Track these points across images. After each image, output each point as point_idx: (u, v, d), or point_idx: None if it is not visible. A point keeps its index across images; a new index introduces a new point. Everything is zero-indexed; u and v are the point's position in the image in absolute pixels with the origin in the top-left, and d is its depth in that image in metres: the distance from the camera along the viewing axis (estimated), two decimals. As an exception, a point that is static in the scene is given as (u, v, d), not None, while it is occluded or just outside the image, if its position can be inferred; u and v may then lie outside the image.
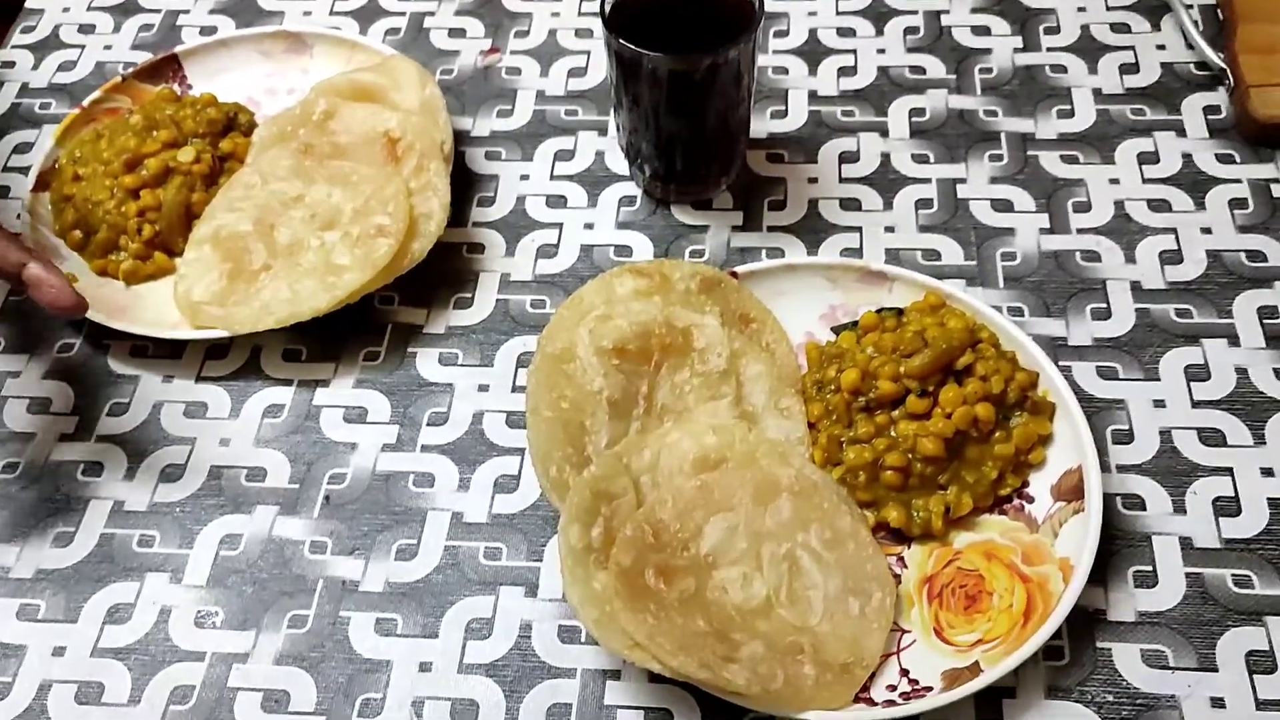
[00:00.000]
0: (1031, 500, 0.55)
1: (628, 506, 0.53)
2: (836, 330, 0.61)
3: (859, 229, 0.67)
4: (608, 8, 0.62)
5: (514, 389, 0.62)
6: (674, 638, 0.49)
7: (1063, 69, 0.73)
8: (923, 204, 0.67)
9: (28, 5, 0.84)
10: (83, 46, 0.81)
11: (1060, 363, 0.60)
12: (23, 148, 0.75)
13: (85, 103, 0.73)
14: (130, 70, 0.74)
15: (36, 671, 0.53)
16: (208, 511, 0.58)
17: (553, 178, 0.71)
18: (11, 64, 0.80)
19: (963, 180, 0.68)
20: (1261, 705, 0.49)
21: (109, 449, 0.61)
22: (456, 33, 0.79)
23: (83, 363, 0.64)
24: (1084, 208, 0.66)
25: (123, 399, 0.63)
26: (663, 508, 0.53)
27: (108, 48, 0.81)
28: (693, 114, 0.64)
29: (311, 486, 0.59)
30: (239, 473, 0.59)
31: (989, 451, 0.55)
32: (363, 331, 0.64)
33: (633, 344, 0.57)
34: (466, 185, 0.71)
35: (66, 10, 0.83)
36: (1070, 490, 0.54)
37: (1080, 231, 0.65)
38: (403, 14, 0.81)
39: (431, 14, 0.81)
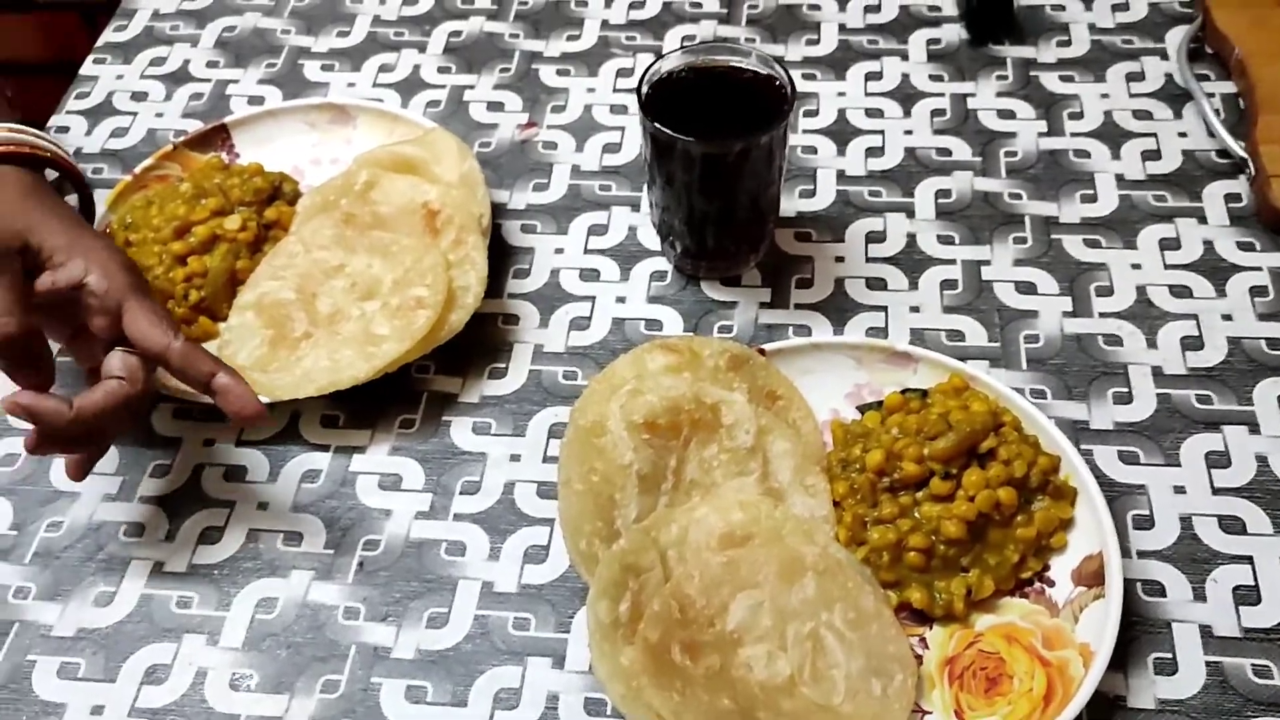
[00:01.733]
0: (1052, 584, 0.56)
1: (655, 581, 0.54)
2: (862, 409, 0.62)
3: (885, 308, 0.68)
4: (644, 90, 0.64)
5: (545, 459, 0.63)
6: (700, 715, 0.50)
7: (1086, 154, 0.75)
8: (948, 285, 0.69)
9: (82, 72, 0.87)
10: (135, 114, 0.84)
11: (1082, 446, 0.61)
12: (75, 211, 0.78)
13: (137, 170, 0.75)
14: (181, 139, 0.77)
15: (75, 730, 0.55)
16: (245, 575, 0.60)
17: (586, 251, 0.73)
18: (66, 129, 0.83)
19: (987, 262, 0.70)
20: (1280, 797, 0.50)
21: (151, 510, 0.62)
22: (495, 106, 0.82)
23: (127, 424, 0.66)
24: (1106, 292, 0.68)
25: (165, 461, 0.64)
26: (690, 583, 0.54)
27: (159, 115, 0.83)
28: (724, 194, 0.66)
29: (346, 552, 0.60)
30: (276, 536, 0.61)
31: (1011, 535, 0.56)
32: (399, 399, 0.66)
33: (662, 419, 0.59)
34: (502, 257, 0.73)
35: (120, 78, 0.86)
36: (1091, 575, 0.55)
37: (1102, 315, 0.67)
38: (443, 87, 0.84)
39: (471, 87, 0.83)
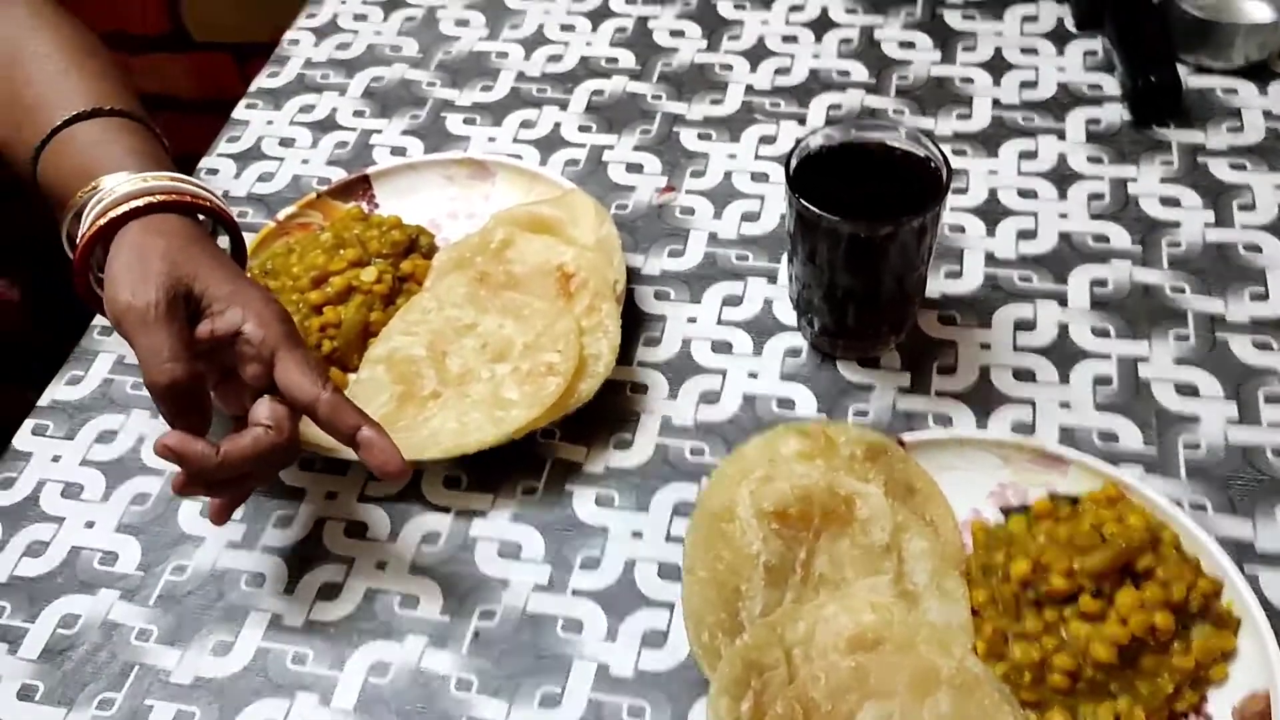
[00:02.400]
0: (1210, 719, 0.52)
1: (779, 680, 0.52)
2: (1006, 512, 0.59)
3: (1032, 402, 0.65)
4: (793, 164, 0.63)
5: (668, 538, 0.61)
6: (821, 832, 0.47)
7: (1257, 248, 0.71)
8: (1101, 381, 0.65)
9: (234, 116, 0.89)
10: (282, 159, 0.85)
11: (1246, 570, 0.56)
12: (219, 253, 0.79)
13: (280, 216, 0.76)
14: (324, 188, 0.78)
15: (185, 782, 0.55)
16: (361, 635, 0.59)
17: (720, 322, 0.71)
18: (215, 171, 0.85)
19: (1145, 359, 0.66)
20: None
21: (272, 560, 0.62)
22: (634, 168, 0.81)
23: (255, 471, 0.66)
24: (1277, 399, 0.63)
25: (289, 512, 0.64)
26: (815, 686, 0.52)
27: (305, 162, 0.85)
28: (869, 274, 0.64)
29: (462, 621, 0.59)
30: (393, 598, 0.60)
31: (1166, 663, 0.52)
32: (523, 465, 0.65)
33: (793, 508, 0.57)
34: (634, 323, 0.71)
35: (270, 123, 0.88)
36: (1256, 716, 0.50)
37: (1272, 425, 0.62)
38: (583, 145, 0.83)
39: (611, 148, 0.83)
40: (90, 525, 0.65)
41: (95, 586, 0.62)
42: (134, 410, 0.70)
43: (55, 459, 0.68)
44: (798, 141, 0.63)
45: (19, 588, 0.62)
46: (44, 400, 0.71)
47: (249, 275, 0.72)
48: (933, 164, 0.63)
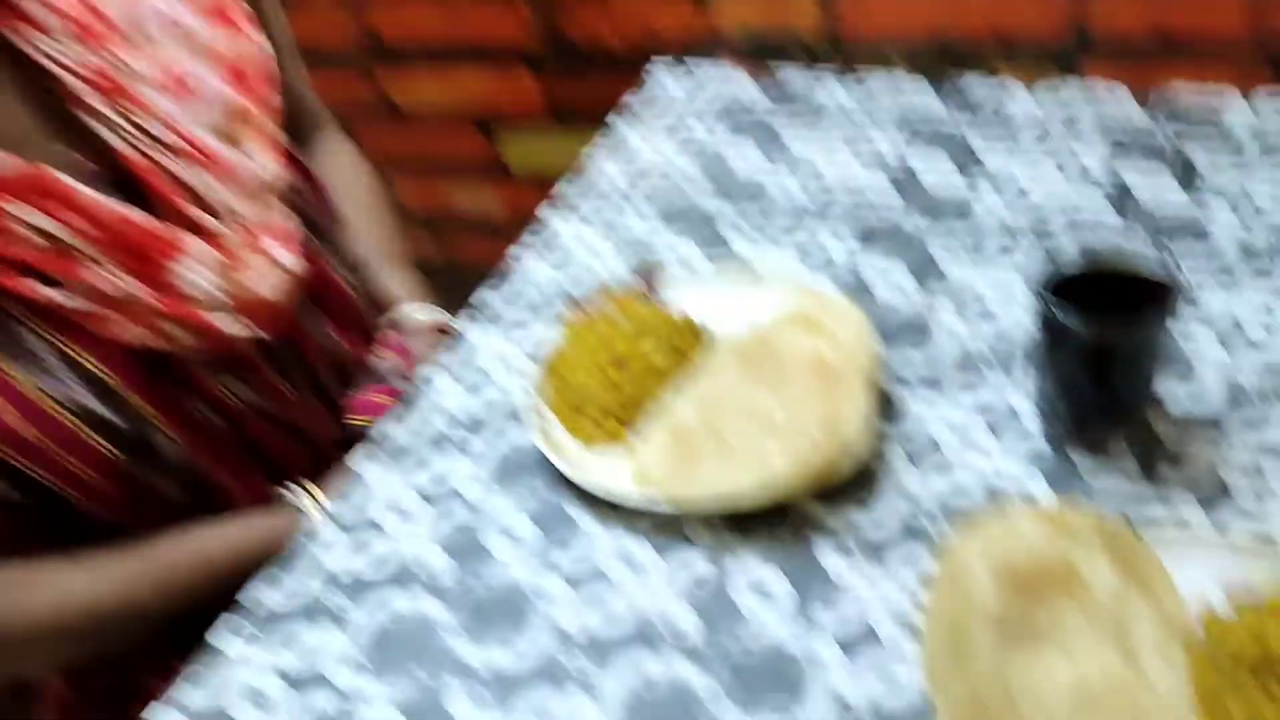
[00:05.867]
0: None
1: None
2: (1239, 608, 0.62)
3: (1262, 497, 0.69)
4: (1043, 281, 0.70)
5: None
6: None
7: None
8: (1333, 489, 0.69)
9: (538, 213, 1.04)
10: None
11: None
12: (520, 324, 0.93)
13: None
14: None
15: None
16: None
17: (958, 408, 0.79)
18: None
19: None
20: None
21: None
22: (892, 286, 0.90)
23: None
24: None
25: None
26: None
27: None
28: (1111, 380, 0.70)
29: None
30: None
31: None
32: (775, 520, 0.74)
33: (1025, 568, 0.63)
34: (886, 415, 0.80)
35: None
36: None
37: None
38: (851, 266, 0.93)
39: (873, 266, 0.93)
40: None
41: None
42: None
43: (387, 484, 0.82)
44: (1050, 262, 0.71)
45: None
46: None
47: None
48: (1167, 281, 0.69)
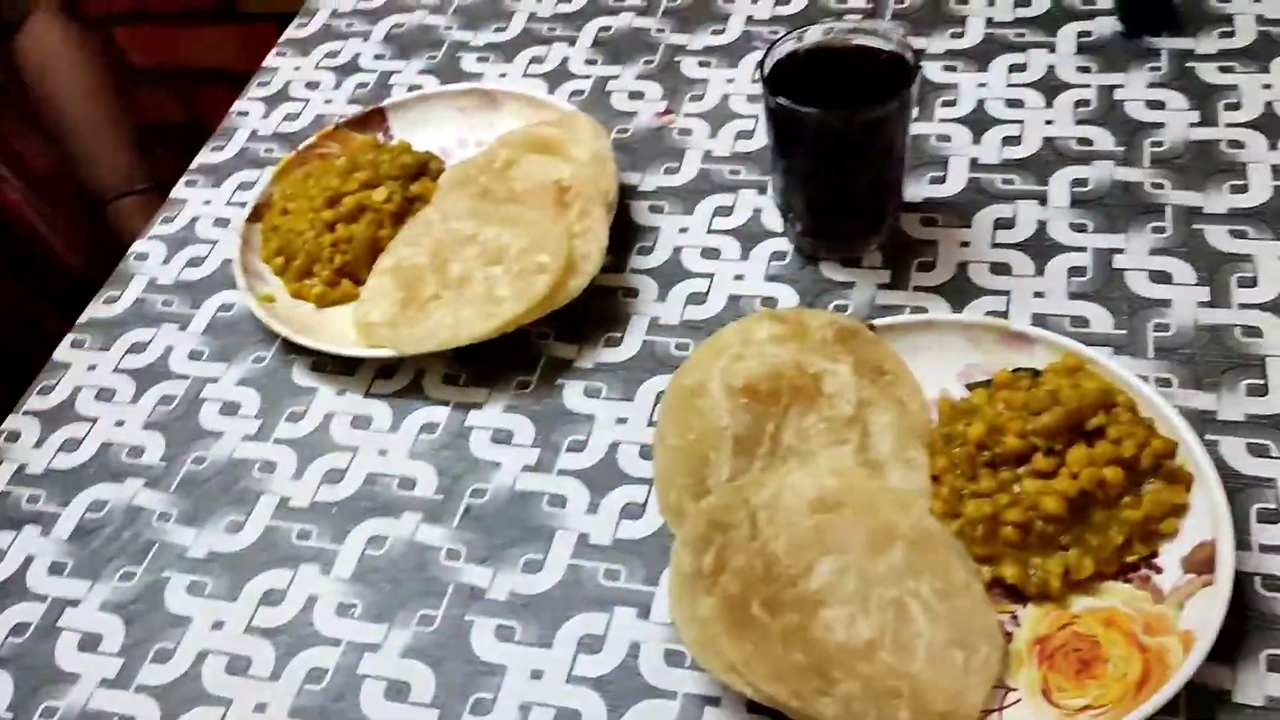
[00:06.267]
0: (1160, 571, 0.53)
1: (741, 539, 0.55)
2: (971, 388, 0.61)
3: (1007, 293, 0.67)
4: (768, 67, 0.65)
5: (650, 423, 0.64)
6: (771, 666, 0.50)
7: (1240, 144, 0.71)
8: (1075, 271, 0.67)
9: (265, 64, 0.94)
10: (307, 100, 0.90)
11: (1207, 437, 0.58)
12: (245, 185, 0.84)
13: (301, 147, 0.81)
14: (342, 120, 0.82)
15: (197, 641, 0.59)
16: (360, 514, 0.63)
17: (710, 231, 0.74)
18: (245, 113, 0.90)
19: (1120, 250, 0.67)
20: (1400, 809, 0.46)
21: (283, 450, 0.67)
22: (636, 95, 0.84)
23: (270, 374, 0.71)
24: (1249, 283, 0.64)
25: (300, 408, 0.69)
26: (776, 543, 0.54)
27: (328, 101, 0.90)
28: (845, 173, 0.66)
29: (454, 499, 0.63)
30: (392, 480, 0.64)
31: (1116, 516, 0.54)
32: (518, 363, 0.69)
33: (763, 384, 0.59)
34: (629, 235, 0.75)
35: (298, 69, 0.93)
36: (1202, 563, 0.52)
37: (1243, 307, 0.63)
38: (588, 77, 0.87)
39: (615, 77, 0.86)
40: (120, 424, 0.70)
41: (122, 476, 0.67)
42: (163, 325, 0.75)
43: (91, 368, 0.73)
44: (771, 44, 0.66)
45: (54, 479, 0.68)
46: (83, 318, 0.77)
47: (268, 201, 0.77)
48: (904, 61, 0.65)
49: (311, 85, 0.91)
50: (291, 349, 0.71)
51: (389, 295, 0.71)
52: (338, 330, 0.71)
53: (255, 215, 0.78)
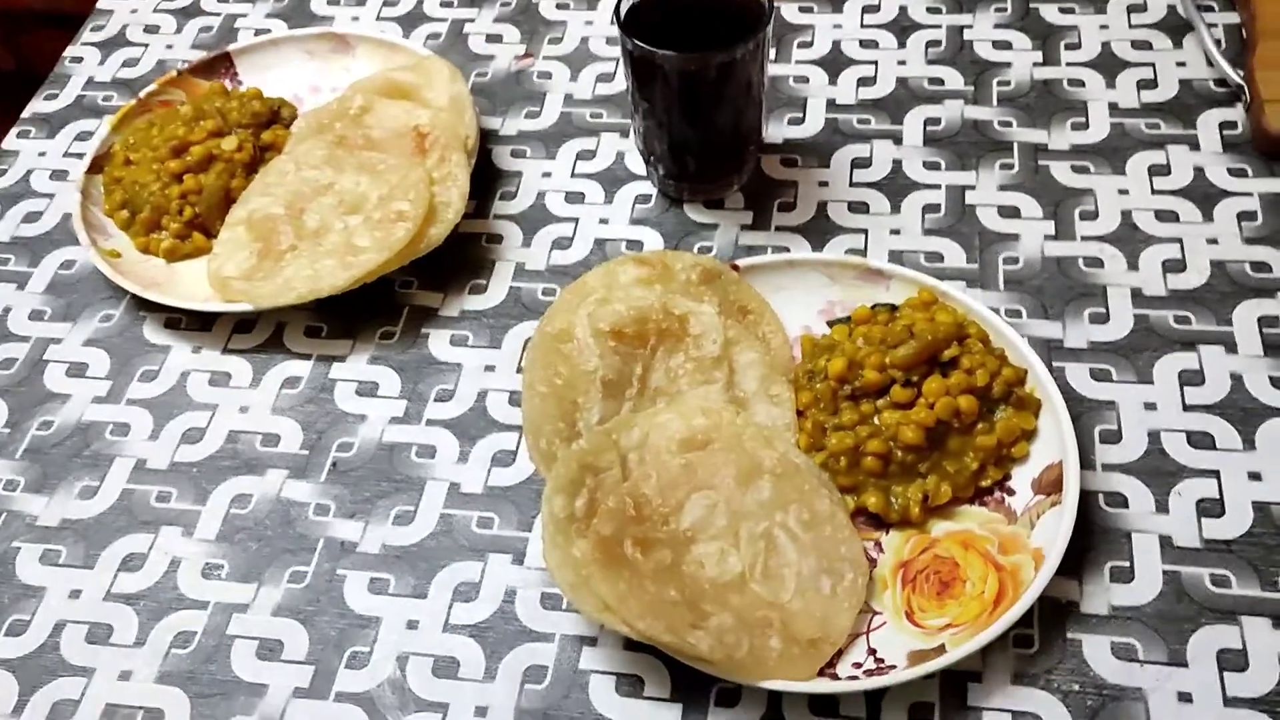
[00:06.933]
0: (1012, 493, 0.56)
1: (613, 480, 0.55)
2: (832, 324, 0.62)
3: (865, 230, 0.68)
4: (623, 10, 0.65)
5: (518, 370, 0.64)
6: (644, 603, 0.51)
7: (1080, 83, 0.74)
8: (930, 209, 0.69)
9: (99, 6, 0.89)
10: (146, 45, 0.86)
11: (1054, 364, 0.60)
12: (83, 136, 0.80)
13: (142, 94, 0.77)
14: (185, 66, 0.79)
15: (53, 611, 0.57)
16: (222, 472, 0.61)
17: (573, 175, 0.73)
18: (80, 59, 0.85)
19: (972, 187, 0.69)
20: (1230, 702, 0.49)
21: (137, 411, 0.64)
22: (494, 38, 0.83)
23: (120, 333, 0.68)
24: (1091, 216, 0.67)
25: (153, 367, 0.66)
26: (646, 483, 0.55)
27: (169, 46, 0.85)
28: (703, 115, 0.66)
29: (321, 453, 0.62)
30: (254, 438, 0.63)
31: (971, 443, 0.56)
32: (381, 313, 0.67)
33: (630, 327, 0.59)
34: (491, 180, 0.74)
35: (134, 11, 0.88)
36: (1050, 483, 0.54)
37: (1085, 239, 0.66)
38: (444, 20, 0.85)
39: (471, 20, 0.84)
40: (-43, 389, 0.66)
41: (-37, 444, 0.64)
42: (1, 284, 0.72)
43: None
44: (628, -11, 0.65)
45: (-113, 449, 0.64)
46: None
47: (109, 152, 0.73)
48: (758, 6, 0.65)
49: (150, 29, 0.87)
50: (142, 306, 0.68)
51: (244, 247, 0.68)
52: (190, 285, 0.69)
53: (95, 167, 0.74)
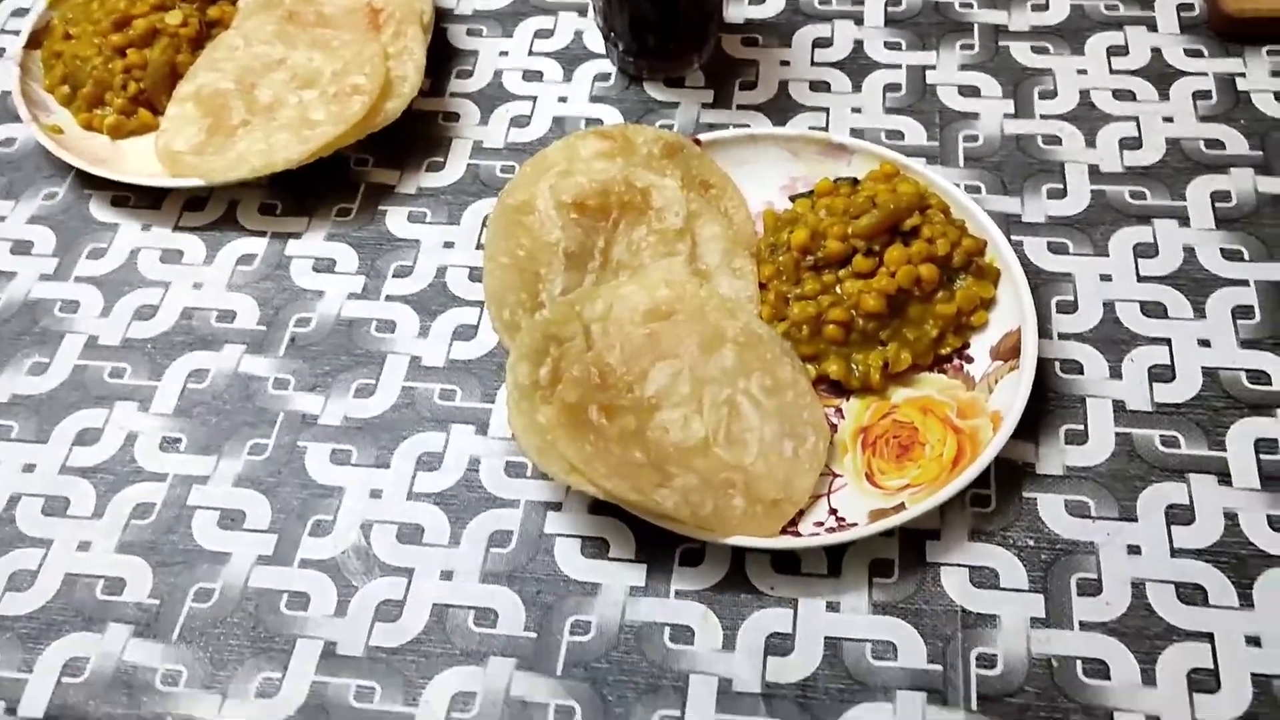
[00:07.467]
0: (971, 360, 0.56)
1: (577, 350, 0.55)
2: (794, 199, 0.62)
3: (826, 109, 0.68)
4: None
5: (478, 246, 0.63)
6: (610, 464, 0.51)
7: (1040, -36, 0.74)
8: (891, 88, 0.68)
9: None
10: (82, -81, 0.82)
11: (1012, 237, 0.61)
12: (20, 11, 0.77)
13: (79, -33, 0.74)
14: (124, -61, 0.76)
15: (7, 485, 0.56)
16: (177, 348, 0.60)
17: (531, 54, 0.72)
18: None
19: (932, 67, 0.69)
20: (1176, 553, 0.50)
21: (86, 289, 0.63)
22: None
23: (65, 210, 0.66)
24: (1049, 95, 0.67)
25: (101, 244, 0.65)
26: (611, 352, 0.55)
27: (106, -79, 0.82)
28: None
29: (279, 329, 0.61)
30: (209, 314, 0.62)
31: (931, 311, 0.56)
32: (337, 190, 0.66)
33: (592, 200, 0.59)
34: (447, 59, 0.72)
35: (68, -115, 0.84)
36: (1008, 350, 0.55)
37: (1044, 117, 0.66)
38: (396, -103, 0.82)
39: (424, -102, 0.82)
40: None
41: (-95, 321, 0.62)
42: (-63, 161, 0.69)
43: None
44: None
45: None
46: None
47: (47, 26, 0.71)
48: None
49: (86, -96, 0.83)
50: (87, 183, 0.67)
51: (194, 123, 0.67)
52: (138, 162, 0.67)
53: (34, 41, 0.71)
